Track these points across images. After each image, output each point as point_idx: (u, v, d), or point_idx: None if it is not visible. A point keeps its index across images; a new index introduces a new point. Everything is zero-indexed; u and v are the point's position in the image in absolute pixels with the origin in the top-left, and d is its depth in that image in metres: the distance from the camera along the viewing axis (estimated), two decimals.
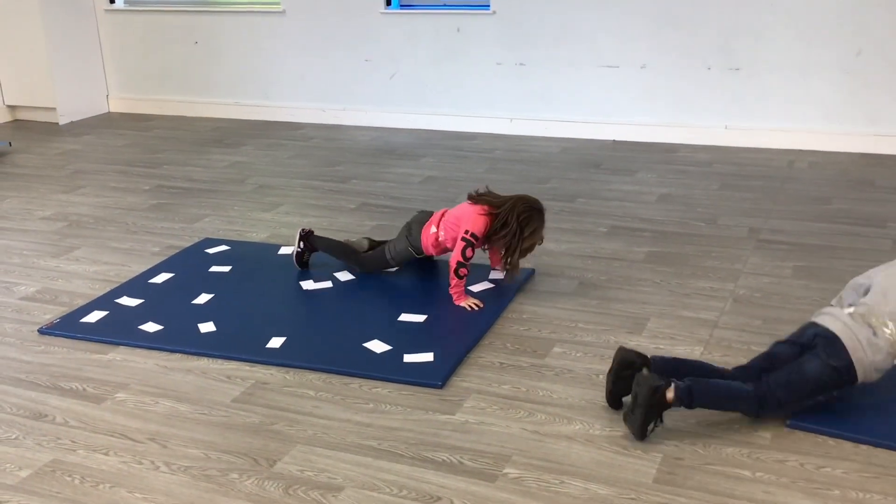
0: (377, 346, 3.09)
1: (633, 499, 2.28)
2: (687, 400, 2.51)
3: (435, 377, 2.88)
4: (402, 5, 6.22)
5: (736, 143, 5.49)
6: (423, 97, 6.24)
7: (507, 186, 4.91)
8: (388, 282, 3.66)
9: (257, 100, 6.69)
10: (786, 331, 3.08)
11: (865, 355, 2.49)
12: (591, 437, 2.55)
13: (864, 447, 2.43)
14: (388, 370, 2.94)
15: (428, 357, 3.00)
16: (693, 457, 2.44)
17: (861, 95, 5.16)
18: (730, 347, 3.03)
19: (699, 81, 5.51)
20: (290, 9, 6.38)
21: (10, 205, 4.85)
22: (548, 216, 4.36)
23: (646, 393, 2.48)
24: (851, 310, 2.60)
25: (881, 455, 2.40)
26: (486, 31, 5.94)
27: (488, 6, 5.88)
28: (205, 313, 3.41)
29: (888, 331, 2.51)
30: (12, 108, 6.93)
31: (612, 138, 5.80)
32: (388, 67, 6.26)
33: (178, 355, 3.12)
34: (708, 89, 5.50)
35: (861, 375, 2.50)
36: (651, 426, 2.51)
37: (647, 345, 3.07)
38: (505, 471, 2.41)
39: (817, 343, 2.56)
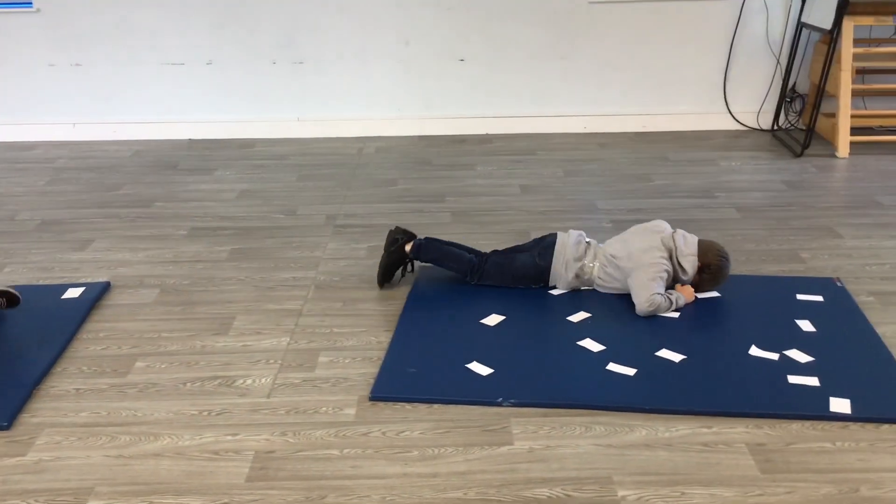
0: None
1: (226, 503, 2.24)
2: (417, 252, 3.40)
3: None
4: None
5: (309, 134, 5.66)
6: None
7: (75, 197, 4.56)
8: None
9: None
10: (363, 309, 3.28)
11: (560, 270, 3.29)
12: (181, 448, 2.47)
13: (436, 406, 2.65)
14: None
15: None
16: (284, 447, 2.47)
17: (413, 82, 5.61)
18: (314, 333, 3.11)
19: (267, 76, 5.58)
20: None
21: None
22: (121, 224, 4.17)
23: (388, 242, 3.41)
24: (587, 240, 3.37)
25: (451, 410, 2.63)
26: (30, 31, 5.41)
27: (30, 4, 5.36)
28: None
29: (591, 265, 3.29)
30: None
31: (187, 137, 5.65)
32: None
33: None
34: (277, 83, 5.59)
35: (551, 282, 3.33)
36: (396, 273, 3.44)
37: (234, 343, 3.05)
38: None
39: (545, 245, 3.35)
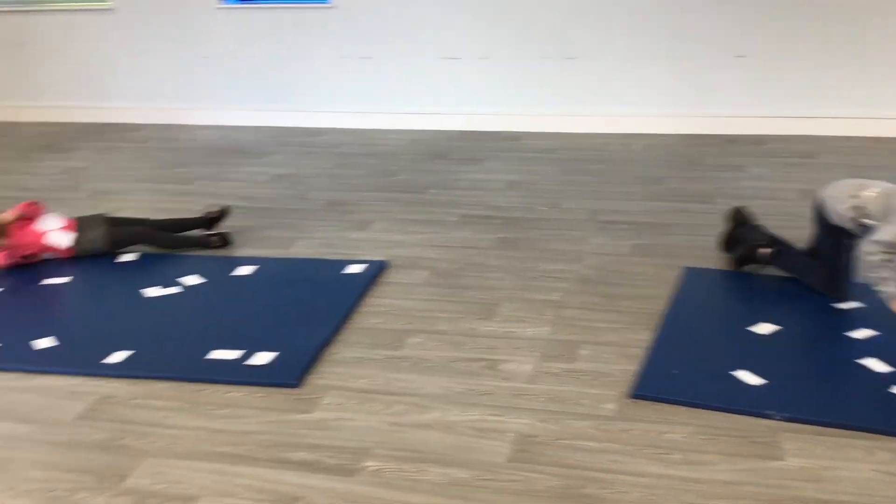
0: (224, 353, 3.01)
1: (489, 479, 2.34)
2: (769, 261, 3.39)
3: (289, 377, 2.85)
4: (239, 0, 6.07)
5: (575, 129, 5.69)
6: (268, 93, 6.13)
7: (358, 181, 4.92)
8: (233, 281, 3.59)
9: (89, 101, 6.37)
10: (624, 305, 3.26)
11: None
12: (449, 423, 2.60)
13: (699, 411, 2.58)
14: (241, 374, 2.89)
15: (270, 357, 2.96)
16: (545, 433, 2.53)
17: (686, 79, 5.46)
18: (575, 325, 3.15)
19: (538, 70, 5.67)
20: (120, 5, 6.10)
21: None
22: (398, 208, 4.44)
23: (748, 243, 3.44)
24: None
25: (716, 417, 2.56)
26: (327, 25, 5.89)
27: (328, 0, 5.83)
28: (42, 327, 3.23)
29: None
30: None
31: (459, 128, 5.88)
32: (228, 64, 6.11)
33: (14, 374, 2.94)
34: (547, 78, 5.68)
35: None
36: (746, 267, 3.44)
37: (498, 329, 3.15)
38: (365, 464, 2.42)
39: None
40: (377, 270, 3.65)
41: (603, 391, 2.72)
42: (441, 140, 5.67)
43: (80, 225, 3.81)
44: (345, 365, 2.96)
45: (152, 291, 3.51)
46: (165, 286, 3.56)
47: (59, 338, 3.14)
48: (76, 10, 6.20)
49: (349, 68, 5.95)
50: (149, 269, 3.75)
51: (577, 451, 2.44)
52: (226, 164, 5.30)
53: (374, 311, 3.33)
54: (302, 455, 2.47)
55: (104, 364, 2.95)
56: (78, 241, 3.78)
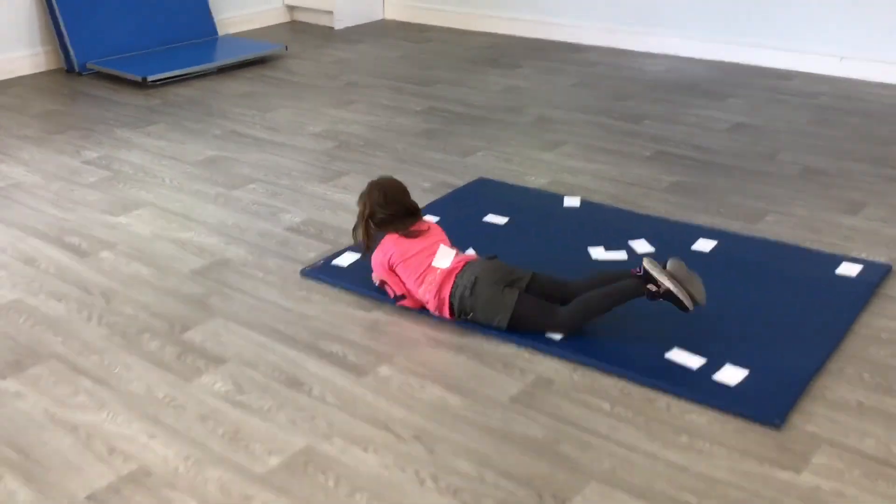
0: (682, 356, 2.44)
1: None
2: None
3: (770, 411, 2.22)
4: None
5: None
6: (733, 23, 5.32)
7: (840, 145, 4.02)
8: (691, 257, 2.99)
9: (537, 15, 6.06)
10: None
11: None
12: None
13: None
14: (704, 391, 2.31)
15: (741, 375, 2.35)
16: None
17: None
18: None
19: None
20: None
21: (283, 116, 4.63)
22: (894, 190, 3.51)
23: None
24: None
25: None
26: None
27: None
28: None
29: None
30: (291, 8, 6.79)
31: None
32: None
33: (447, 323, 2.67)
34: None
35: None
36: None
37: None
38: None
39: None
40: (880, 277, 2.83)
41: None
42: None
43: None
44: (841, 410, 2.25)
45: (597, 252, 3.06)
46: (609, 248, 3.08)
47: None
48: None
49: (838, 3, 4.93)
50: (593, 221, 3.30)
51: None
52: (677, 103, 4.67)
53: (877, 338, 2.55)
54: None
55: (542, 338, 2.54)
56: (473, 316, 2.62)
